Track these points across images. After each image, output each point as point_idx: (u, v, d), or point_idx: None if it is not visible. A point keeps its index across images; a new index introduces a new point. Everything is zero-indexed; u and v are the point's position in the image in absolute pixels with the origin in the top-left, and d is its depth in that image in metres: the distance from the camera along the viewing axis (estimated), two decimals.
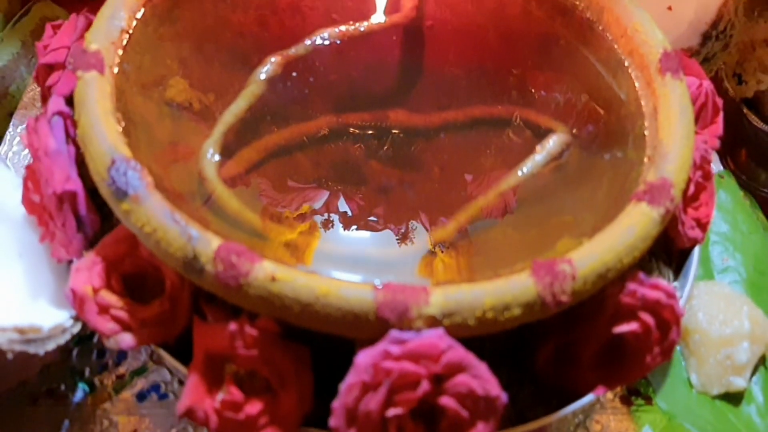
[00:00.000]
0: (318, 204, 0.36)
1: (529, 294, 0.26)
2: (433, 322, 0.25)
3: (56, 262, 0.32)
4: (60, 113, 0.31)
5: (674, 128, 0.32)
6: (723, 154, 0.61)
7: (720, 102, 0.39)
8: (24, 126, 0.45)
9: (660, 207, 0.29)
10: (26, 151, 0.43)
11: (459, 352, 0.25)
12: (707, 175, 0.36)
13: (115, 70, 0.32)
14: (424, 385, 0.25)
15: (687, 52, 0.45)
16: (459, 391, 0.25)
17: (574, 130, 0.35)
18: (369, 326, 0.25)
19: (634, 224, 0.28)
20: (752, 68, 0.53)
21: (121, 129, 0.30)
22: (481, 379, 0.26)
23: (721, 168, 0.49)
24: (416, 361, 0.25)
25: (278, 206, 0.37)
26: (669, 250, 0.36)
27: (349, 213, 0.35)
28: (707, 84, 0.39)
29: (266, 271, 0.25)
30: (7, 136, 0.44)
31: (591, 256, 0.27)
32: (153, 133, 0.32)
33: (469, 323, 0.26)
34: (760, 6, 0.61)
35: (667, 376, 0.37)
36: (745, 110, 0.52)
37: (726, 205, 0.45)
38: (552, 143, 0.34)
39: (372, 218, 0.33)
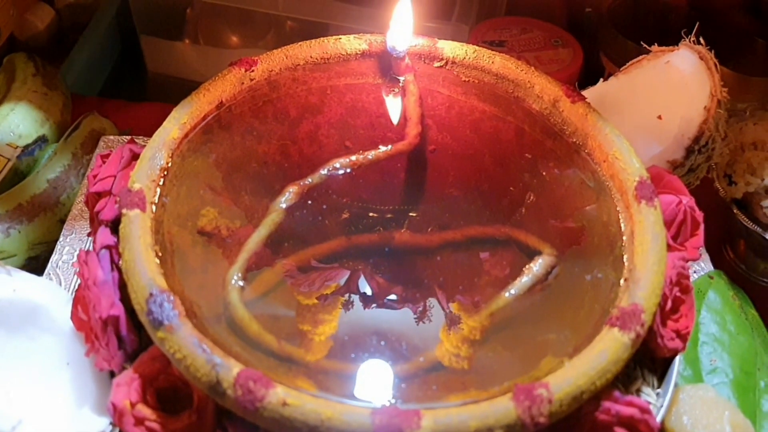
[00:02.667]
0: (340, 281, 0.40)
1: (510, 417, 0.29)
2: None
3: (99, 370, 0.37)
4: (107, 246, 0.36)
5: (647, 255, 0.36)
6: (723, 245, 0.64)
7: (700, 215, 0.43)
8: (72, 235, 0.51)
9: (631, 332, 0.33)
10: (75, 259, 0.49)
11: None
12: (685, 290, 0.39)
13: (155, 204, 0.37)
14: None
15: (672, 164, 0.49)
16: None
17: (560, 250, 0.39)
18: None
19: (606, 349, 0.32)
20: (741, 170, 0.56)
21: (158, 261, 0.35)
22: None
23: (712, 268, 0.52)
24: None
25: (302, 286, 0.41)
26: (653, 357, 0.39)
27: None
28: (686, 200, 0.42)
29: (279, 397, 0.29)
30: (58, 246, 0.49)
31: (566, 380, 0.31)
32: (186, 260, 0.37)
33: None
34: (752, 106, 0.65)
35: None
36: (735, 210, 0.55)
37: (715, 306, 0.48)
38: (537, 267, 0.37)
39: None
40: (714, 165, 0.59)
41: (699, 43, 0.51)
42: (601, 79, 0.57)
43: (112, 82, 0.85)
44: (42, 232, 0.53)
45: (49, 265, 0.48)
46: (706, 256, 0.53)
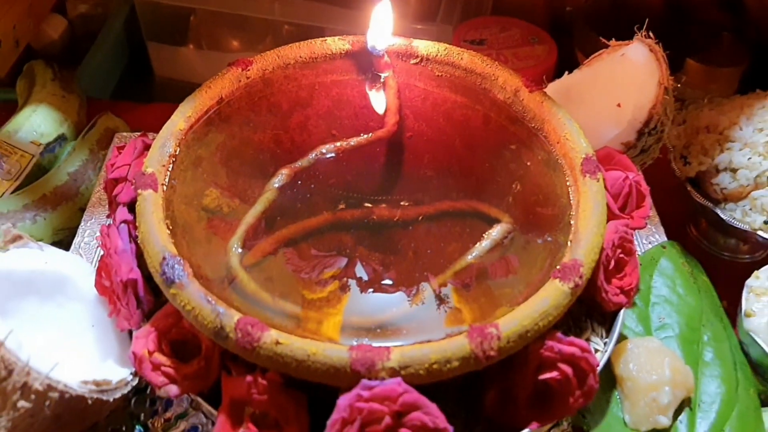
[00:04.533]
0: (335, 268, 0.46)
1: (464, 351, 0.35)
2: (393, 372, 0.34)
3: (120, 331, 0.43)
4: (125, 221, 0.42)
5: (588, 219, 0.41)
6: (687, 224, 0.69)
7: (646, 189, 0.49)
8: (92, 221, 0.57)
9: (570, 282, 0.38)
10: (95, 242, 0.55)
11: (413, 395, 0.34)
12: (628, 252, 0.45)
13: (165, 185, 0.43)
14: (387, 420, 0.34)
15: (626, 146, 0.54)
16: (414, 424, 0.34)
17: (520, 219, 0.45)
18: (346, 377, 0.34)
19: (548, 296, 0.37)
20: (696, 151, 0.62)
21: (169, 232, 0.41)
22: (431, 415, 0.35)
23: (666, 239, 0.58)
24: (381, 402, 0.34)
25: (302, 273, 0.46)
26: (602, 312, 0.45)
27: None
28: (633, 176, 0.48)
29: (272, 337, 0.35)
30: (80, 230, 0.55)
31: (513, 321, 0.36)
32: (193, 233, 0.43)
33: (421, 373, 0.35)
34: (711, 95, 0.71)
35: (606, 416, 0.45)
36: (689, 188, 0.61)
37: (667, 272, 0.54)
38: (496, 233, 0.43)
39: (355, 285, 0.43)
40: (672, 147, 0.64)
41: (650, 37, 0.57)
42: (566, 72, 0.62)
43: (122, 85, 0.91)
44: (64, 219, 0.59)
45: (72, 246, 0.54)
46: (660, 229, 0.59)
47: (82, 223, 0.56)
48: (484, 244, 0.43)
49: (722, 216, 0.58)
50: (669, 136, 0.64)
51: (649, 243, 0.57)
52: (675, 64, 0.84)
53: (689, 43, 0.84)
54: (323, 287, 0.42)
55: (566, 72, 0.62)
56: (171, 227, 0.41)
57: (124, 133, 0.63)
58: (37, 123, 0.64)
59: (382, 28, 0.53)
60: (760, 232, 0.57)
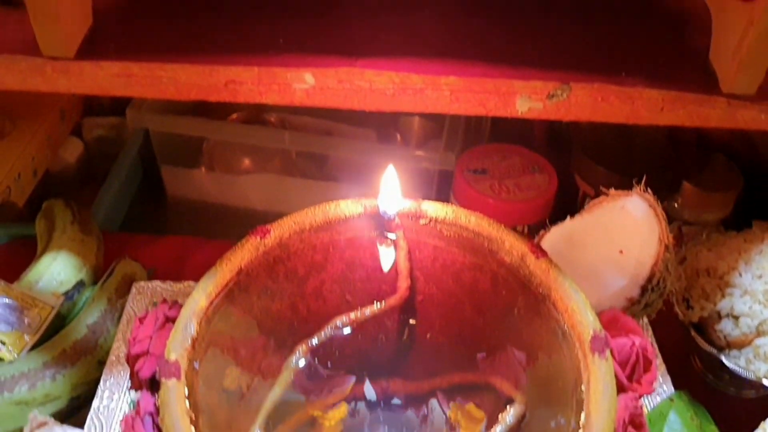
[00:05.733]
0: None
1: None
2: None
3: None
4: (149, 413, 0.43)
5: (599, 403, 0.42)
6: (692, 357, 0.70)
7: (653, 354, 0.50)
8: (110, 380, 0.58)
9: None
10: (114, 403, 0.56)
11: None
12: (639, 425, 0.46)
13: (188, 371, 0.45)
14: None
15: (630, 301, 0.56)
16: None
17: (530, 393, 0.46)
18: None
19: None
20: (697, 295, 0.64)
21: (192, 424, 0.42)
22: None
23: (673, 390, 0.59)
24: None
25: (311, 395, 0.47)
26: None
27: None
28: (639, 341, 0.49)
29: None
30: (98, 392, 0.56)
31: None
32: (215, 419, 0.44)
33: None
34: (708, 230, 0.73)
35: None
36: (693, 333, 0.62)
37: (675, 427, 0.55)
38: (509, 417, 0.44)
39: None
40: (674, 290, 0.66)
41: (647, 191, 0.59)
42: (569, 216, 0.65)
43: (134, 207, 0.94)
44: (83, 374, 0.60)
45: (91, 410, 0.55)
46: (667, 378, 0.60)
47: (101, 384, 0.57)
48: (498, 429, 0.44)
49: (727, 363, 0.60)
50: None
51: (657, 395, 0.58)
52: (673, 187, 0.88)
53: (685, 165, 0.87)
54: None
55: (568, 216, 0.65)
56: (194, 416, 0.42)
57: (142, 283, 0.65)
58: (57, 271, 0.66)
59: (391, 193, 0.55)
60: (764, 380, 0.58)
